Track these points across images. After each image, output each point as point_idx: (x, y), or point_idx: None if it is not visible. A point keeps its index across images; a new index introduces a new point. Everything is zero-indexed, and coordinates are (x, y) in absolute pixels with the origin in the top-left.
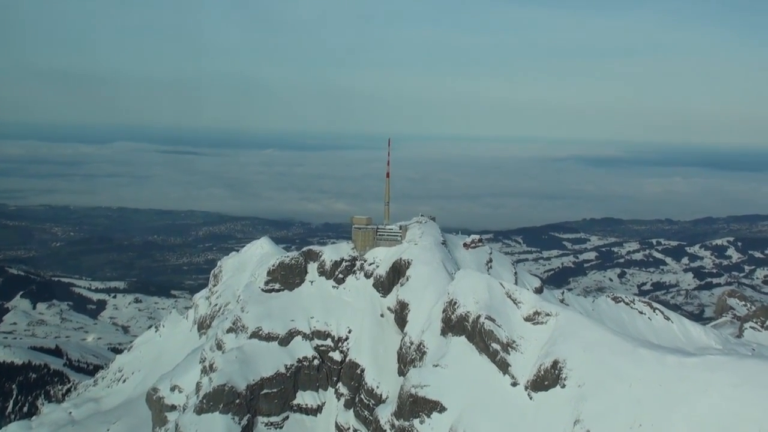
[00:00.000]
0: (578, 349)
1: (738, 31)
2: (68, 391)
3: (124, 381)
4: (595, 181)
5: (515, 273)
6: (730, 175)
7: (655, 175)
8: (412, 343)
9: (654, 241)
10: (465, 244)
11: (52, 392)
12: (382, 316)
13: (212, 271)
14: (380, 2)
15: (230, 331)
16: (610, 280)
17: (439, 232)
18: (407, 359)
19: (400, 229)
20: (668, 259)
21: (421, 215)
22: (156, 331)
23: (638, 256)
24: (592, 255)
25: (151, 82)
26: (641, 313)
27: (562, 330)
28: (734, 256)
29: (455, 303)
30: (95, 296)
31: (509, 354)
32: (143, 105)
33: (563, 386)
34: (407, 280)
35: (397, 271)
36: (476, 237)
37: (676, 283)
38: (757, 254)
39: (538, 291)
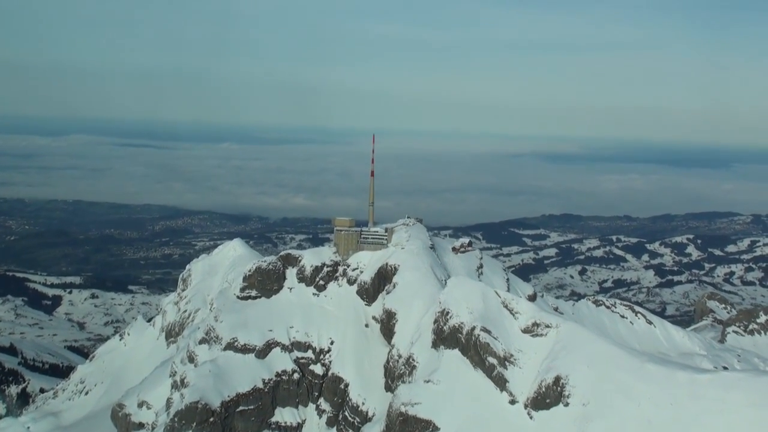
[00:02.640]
0: (582, 364)
1: (695, 27)
2: (23, 390)
3: (87, 393)
4: (553, 177)
5: (507, 279)
6: (687, 172)
7: (612, 172)
8: (400, 357)
9: (614, 237)
10: (454, 248)
11: (6, 392)
12: (366, 326)
13: (180, 275)
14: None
15: (203, 342)
16: (571, 277)
17: (427, 236)
18: (395, 374)
19: (386, 231)
20: (628, 256)
21: (408, 217)
22: (120, 339)
23: (598, 252)
24: (552, 251)
25: (107, 74)
26: (623, 317)
27: (564, 343)
28: (694, 253)
29: (447, 313)
30: (51, 291)
31: (507, 369)
32: (99, 97)
33: (566, 405)
34: (394, 287)
35: (383, 278)
36: (466, 241)
37: (637, 281)
38: (717, 252)
39: (532, 299)
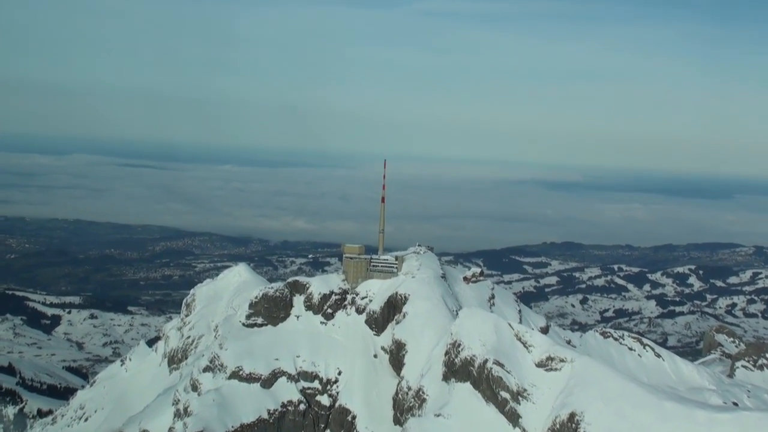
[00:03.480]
0: (597, 400)
1: (697, 57)
2: (20, 411)
3: (86, 420)
4: (555, 205)
5: (519, 311)
6: (689, 202)
7: (614, 201)
8: (410, 389)
9: (615, 266)
10: (465, 278)
11: (3, 412)
12: (375, 356)
13: (184, 300)
14: (338, 21)
15: (207, 370)
16: (573, 306)
17: (438, 264)
18: (404, 406)
19: (396, 259)
20: (630, 286)
21: (419, 245)
22: (122, 365)
23: (600, 281)
24: (553, 279)
25: (108, 94)
26: (631, 349)
27: (579, 378)
28: (696, 284)
29: (459, 345)
30: (50, 311)
31: (520, 404)
32: (100, 117)
33: None
34: (404, 317)
35: (393, 307)
36: (477, 270)
37: (639, 311)
38: (719, 283)
39: (544, 331)
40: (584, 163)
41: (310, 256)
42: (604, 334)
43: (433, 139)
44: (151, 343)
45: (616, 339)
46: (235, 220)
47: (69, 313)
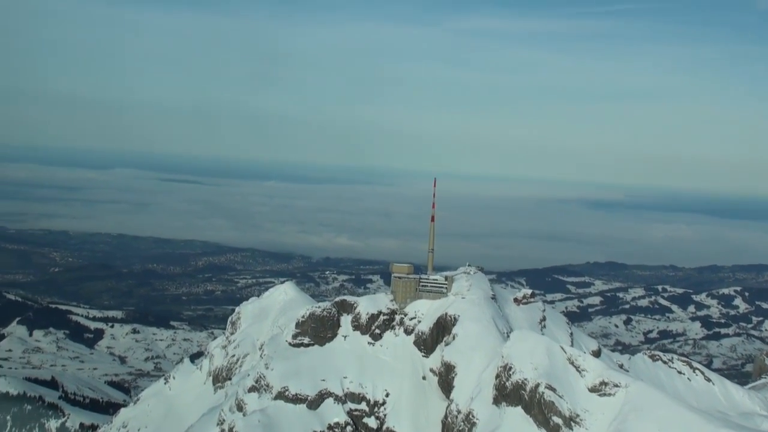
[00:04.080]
0: (653, 428)
1: (742, 78)
2: (62, 425)
3: None
4: (599, 225)
5: (571, 333)
6: (734, 223)
7: (658, 221)
8: (459, 412)
9: (659, 287)
10: (516, 299)
11: (46, 426)
12: (424, 378)
13: (229, 318)
14: (382, 38)
15: (252, 390)
16: (616, 326)
17: (488, 285)
18: (453, 430)
19: (446, 280)
20: (674, 307)
21: (469, 265)
22: (165, 383)
23: (644, 302)
24: (596, 300)
25: (153, 108)
26: (680, 372)
27: (634, 404)
28: (741, 306)
29: (510, 368)
30: (92, 325)
31: (572, 429)
32: (145, 131)
33: None
34: (453, 338)
35: (442, 328)
36: (528, 292)
37: (683, 332)
38: (765, 305)
39: (596, 354)
40: (628, 182)
41: (352, 273)
42: (653, 357)
43: (476, 157)
44: (193, 358)
45: (665, 362)
46: (277, 236)
47: (112, 327)
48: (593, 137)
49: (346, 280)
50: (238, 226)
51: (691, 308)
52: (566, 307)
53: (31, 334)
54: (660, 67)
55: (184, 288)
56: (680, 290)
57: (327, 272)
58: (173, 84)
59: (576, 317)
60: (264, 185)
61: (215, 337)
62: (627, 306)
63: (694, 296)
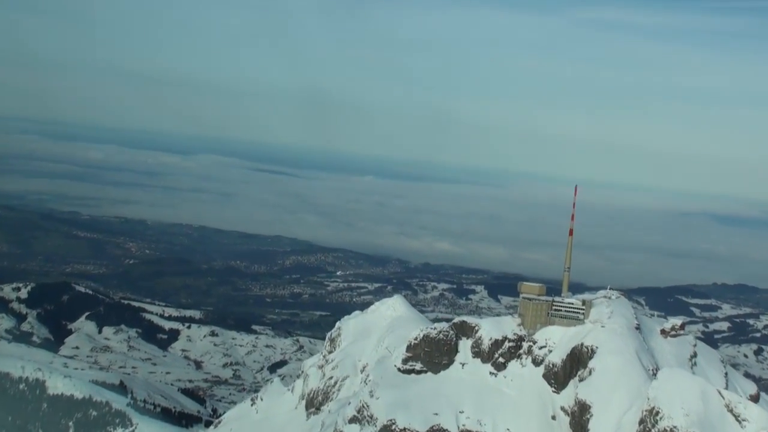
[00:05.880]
0: None
1: None
2: None
3: None
4: (728, 242)
5: (726, 374)
6: None
7: None
8: None
9: None
10: (663, 331)
11: None
12: (553, 418)
13: (328, 334)
14: (494, 25)
15: (354, 421)
16: (745, 356)
17: (632, 313)
18: None
19: (583, 304)
20: None
21: (610, 288)
22: (252, 405)
23: None
24: (724, 325)
25: (244, 92)
26: None
27: None
28: None
29: (658, 412)
30: (167, 324)
31: None
32: (234, 115)
33: None
34: (590, 373)
35: (577, 360)
36: (677, 322)
37: None
38: None
39: (754, 399)
40: (764, 197)
41: (453, 281)
42: None
43: (594, 161)
44: (275, 368)
45: None
46: (373, 236)
47: (188, 328)
48: (728, 145)
49: (446, 289)
50: (330, 223)
51: None
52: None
53: (100, 332)
54: None
55: (269, 289)
56: None
57: (426, 279)
58: (270, 66)
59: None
60: (361, 180)
61: (300, 346)
62: (758, 334)
63: None
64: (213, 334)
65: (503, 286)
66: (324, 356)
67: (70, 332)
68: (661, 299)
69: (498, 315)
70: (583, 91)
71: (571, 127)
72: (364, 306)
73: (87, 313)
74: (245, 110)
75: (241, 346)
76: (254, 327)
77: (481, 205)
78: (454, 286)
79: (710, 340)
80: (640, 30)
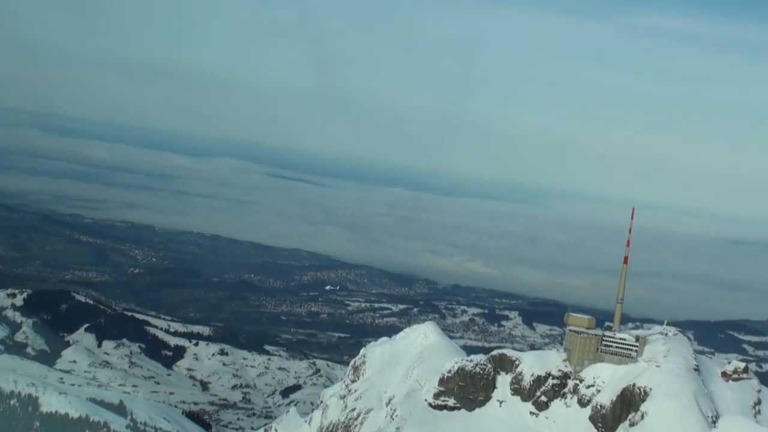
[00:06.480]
0: None
1: None
2: None
3: None
4: None
5: None
6: None
7: None
8: None
9: None
10: (724, 374)
11: None
12: None
13: (352, 361)
14: (543, 28)
15: None
16: None
17: (691, 352)
18: None
19: (637, 340)
20: None
21: (667, 324)
22: None
23: None
24: None
25: (265, 92)
26: None
27: None
28: None
29: None
30: (173, 341)
31: None
32: (254, 117)
33: None
34: (642, 417)
35: (628, 403)
36: (740, 365)
37: None
38: None
39: None
40: None
41: (485, 306)
42: None
43: (643, 180)
44: (288, 392)
45: None
46: (400, 253)
47: (195, 345)
48: None
49: (477, 314)
50: (353, 237)
51: None
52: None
53: (100, 345)
54: None
55: (284, 306)
56: None
57: (455, 303)
58: (294, 66)
59: None
60: (388, 192)
61: (316, 369)
62: None
63: None
64: (222, 352)
65: (539, 313)
66: (346, 385)
67: (67, 345)
68: (711, 334)
69: (533, 344)
70: (635, 104)
71: (617, 143)
72: (386, 329)
73: (86, 325)
74: (266, 111)
75: (252, 367)
76: (267, 347)
77: (518, 224)
78: (486, 311)
79: (764, 380)
80: (698, 40)
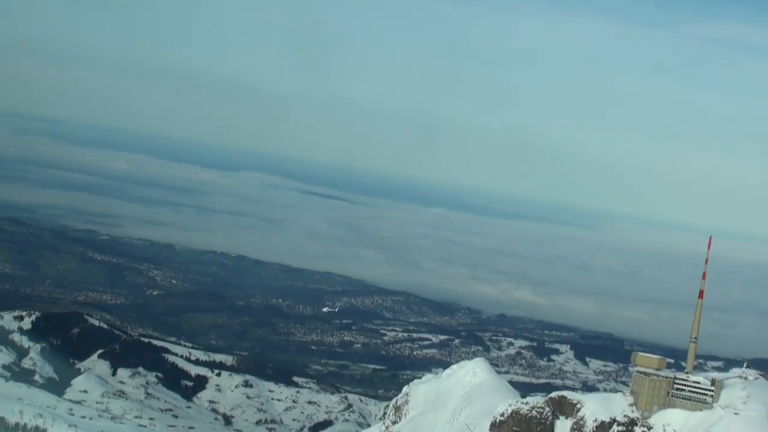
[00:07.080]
0: None
1: None
2: None
3: None
4: None
5: None
6: None
7: None
8: None
9: None
10: None
11: None
12: None
13: (393, 401)
14: (599, 37)
15: None
16: None
17: None
18: None
19: (713, 384)
20: None
21: (747, 367)
22: None
23: None
24: None
25: (297, 103)
26: None
27: None
28: None
29: None
30: (194, 370)
31: None
32: (284, 129)
33: None
34: None
35: None
36: None
37: None
38: None
39: None
40: None
41: (533, 339)
42: None
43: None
44: (317, 428)
45: None
46: (440, 279)
47: (218, 375)
48: None
49: (524, 346)
50: (391, 261)
51: None
52: None
53: (114, 374)
54: None
55: (315, 335)
56: None
57: (501, 334)
58: (330, 76)
59: None
60: (429, 212)
61: (348, 404)
62: None
63: None
64: (247, 384)
65: (592, 347)
66: (387, 427)
67: (78, 372)
68: None
69: (585, 381)
70: (699, 120)
71: (681, 163)
72: (425, 361)
73: (100, 351)
74: (297, 123)
75: (279, 400)
76: (295, 379)
77: (570, 249)
78: (534, 344)
79: None
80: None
